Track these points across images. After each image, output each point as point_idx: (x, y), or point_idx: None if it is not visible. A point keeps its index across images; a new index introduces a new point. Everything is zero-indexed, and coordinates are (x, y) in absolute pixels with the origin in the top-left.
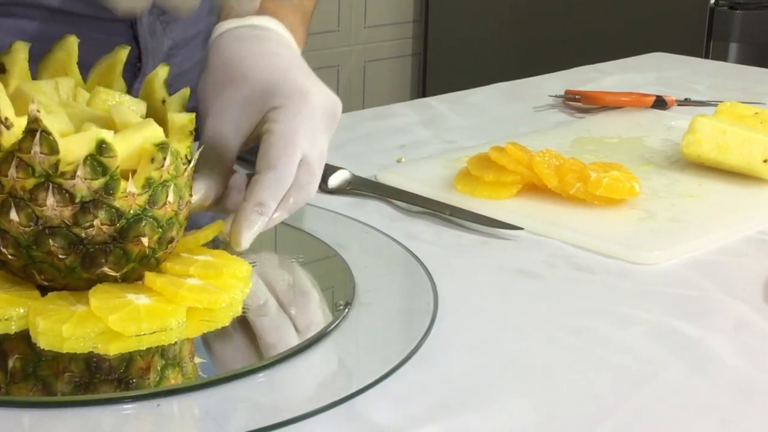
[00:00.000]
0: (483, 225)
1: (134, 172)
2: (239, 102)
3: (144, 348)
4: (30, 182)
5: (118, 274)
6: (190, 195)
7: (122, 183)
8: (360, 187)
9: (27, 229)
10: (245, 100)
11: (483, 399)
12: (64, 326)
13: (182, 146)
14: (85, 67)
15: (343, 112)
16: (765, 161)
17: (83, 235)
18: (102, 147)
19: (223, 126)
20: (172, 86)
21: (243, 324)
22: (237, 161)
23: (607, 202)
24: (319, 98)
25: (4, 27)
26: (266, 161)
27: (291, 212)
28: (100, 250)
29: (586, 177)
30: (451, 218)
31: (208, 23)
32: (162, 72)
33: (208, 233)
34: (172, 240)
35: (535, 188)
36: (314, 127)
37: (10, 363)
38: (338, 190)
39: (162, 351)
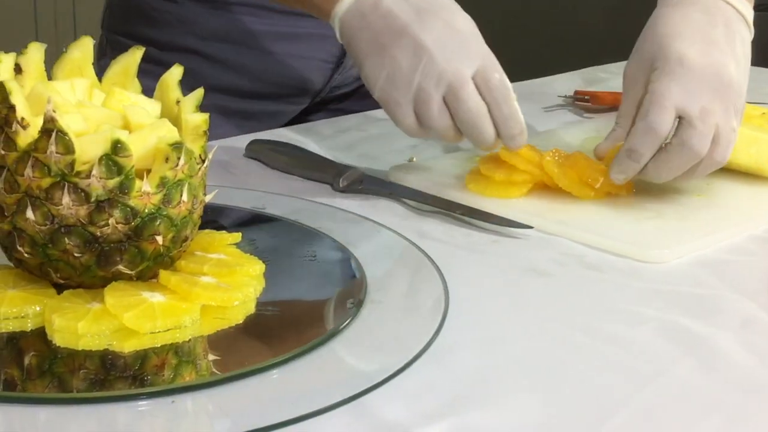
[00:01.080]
0: (494, 224)
1: (149, 171)
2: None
3: (158, 345)
4: (46, 181)
5: (133, 272)
6: (204, 194)
7: (137, 182)
8: (372, 185)
9: (43, 227)
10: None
11: (493, 396)
12: (80, 324)
13: (196, 146)
14: (302, 59)
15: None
16: None
17: (98, 233)
18: (117, 147)
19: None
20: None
21: (256, 321)
22: None
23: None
24: (691, 60)
25: (228, 22)
26: (641, 115)
27: (696, 174)
28: (115, 248)
29: (603, 171)
30: (461, 217)
31: None
32: (176, 72)
33: (226, 237)
34: (186, 239)
35: (545, 187)
36: (691, 87)
37: (27, 360)
38: (350, 189)
39: (176, 348)
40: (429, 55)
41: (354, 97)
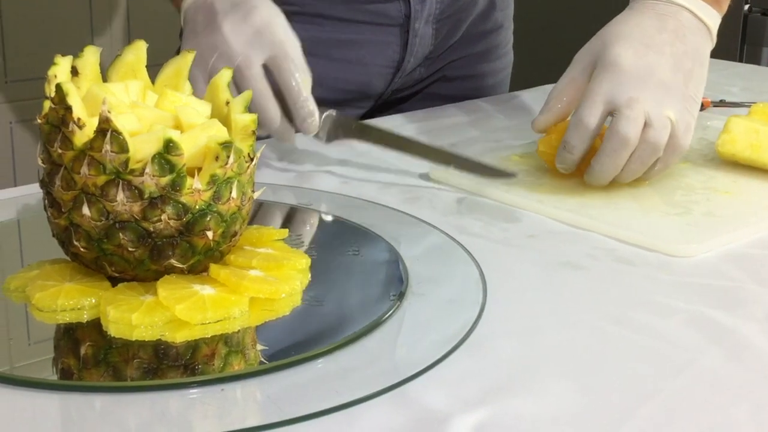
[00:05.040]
0: (480, 174)
1: (200, 169)
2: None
3: (209, 336)
4: (101, 179)
5: (184, 266)
6: (252, 191)
7: (188, 180)
8: (347, 131)
9: (98, 223)
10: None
11: (530, 384)
12: (134, 315)
13: (245, 145)
14: (363, 65)
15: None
16: None
17: (151, 229)
18: (169, 146)
19: None
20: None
21: (302, 313)
22: None
23: None
24: (625, 61)
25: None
26: (575, 112)
27: (651, 168)
28: (167, 243)
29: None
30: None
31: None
32: (226, 74)
33: (273, 233)
34: (235, 234)
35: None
36: (620, 82)
37: (83, 350)
38: (329, 137)
39: (226, 338)
40: (225, 41)
41: (414, 99)
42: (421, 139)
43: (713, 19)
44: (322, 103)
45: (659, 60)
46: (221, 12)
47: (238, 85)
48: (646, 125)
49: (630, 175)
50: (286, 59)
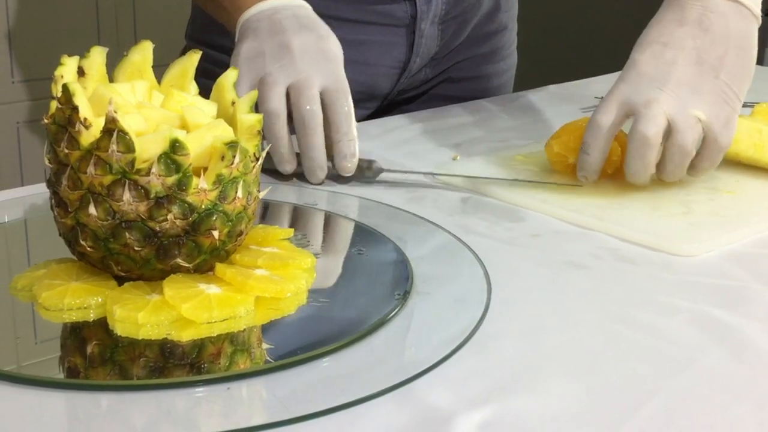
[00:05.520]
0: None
1: (205, 169)
2: None
3: (215, 334)
4: (108, 179)
5: (190, 265)
6: (258, 191)
7: (194, 179)
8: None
9: (105, 222)
10: None
11: (533, 382)
12: (140, 314)
13: (250, 145)
14: (369, 65)
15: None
16: None
17: (158, 228)
18: (175, 146)
19: None
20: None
21: (307, 312)
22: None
23: None
24: (641, 63)
25: None
26: None
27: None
28: (173, 242)
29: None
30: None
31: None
32: (232, 75)
33: (279, 232)
34: (241, 233)
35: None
36: (636, 84)
37: (89, 349)
38: (380, 180)
39: (231, 337)
40: (291, 55)
41: (420, 100)
42: (426, 140)
43: None
44: None
45: (679, 56)
46: (290, 29)
47: (294, 101)
48: (671, 129)
49: (670, 176)
50: (344, 93)
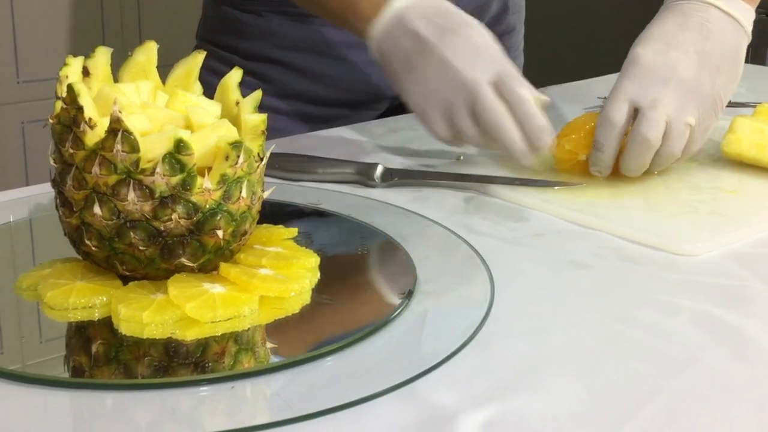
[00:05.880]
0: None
1: (210, 169)
2: None
3: (219, 334)
4: (112, 178)
5: (195, 265)
6: (262, 190)
7: (199, 179)
8: (405, 177)
9: (109, 222)
10: None
11: (536, 381)
12: (145, 313)
13: (255, 145)
14: (379, 67)
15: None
16: None
17: (162, 228)
18: (180, 145)
19: None
20: None
21: (311, 311)
22: None
23: None
24: (645, 59)
25: (308, 33)
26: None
27: (654, 166)
28: (178, 242)
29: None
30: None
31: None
32: (236, 75)
33: (283, 232)
34: (245, 233)
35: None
36: (643, 82)
37: (94, 348)
38: (388, 184)
39: (236, 336)
40: (451, 68)
41: None
42: (431, 140)
43: (744, 13)
44: (338, 104)
45: (682, 57)
46: (434, 37)
47: (477, 113)
48: (666, 134)
49: (637, 172)
50: (513, 76)
